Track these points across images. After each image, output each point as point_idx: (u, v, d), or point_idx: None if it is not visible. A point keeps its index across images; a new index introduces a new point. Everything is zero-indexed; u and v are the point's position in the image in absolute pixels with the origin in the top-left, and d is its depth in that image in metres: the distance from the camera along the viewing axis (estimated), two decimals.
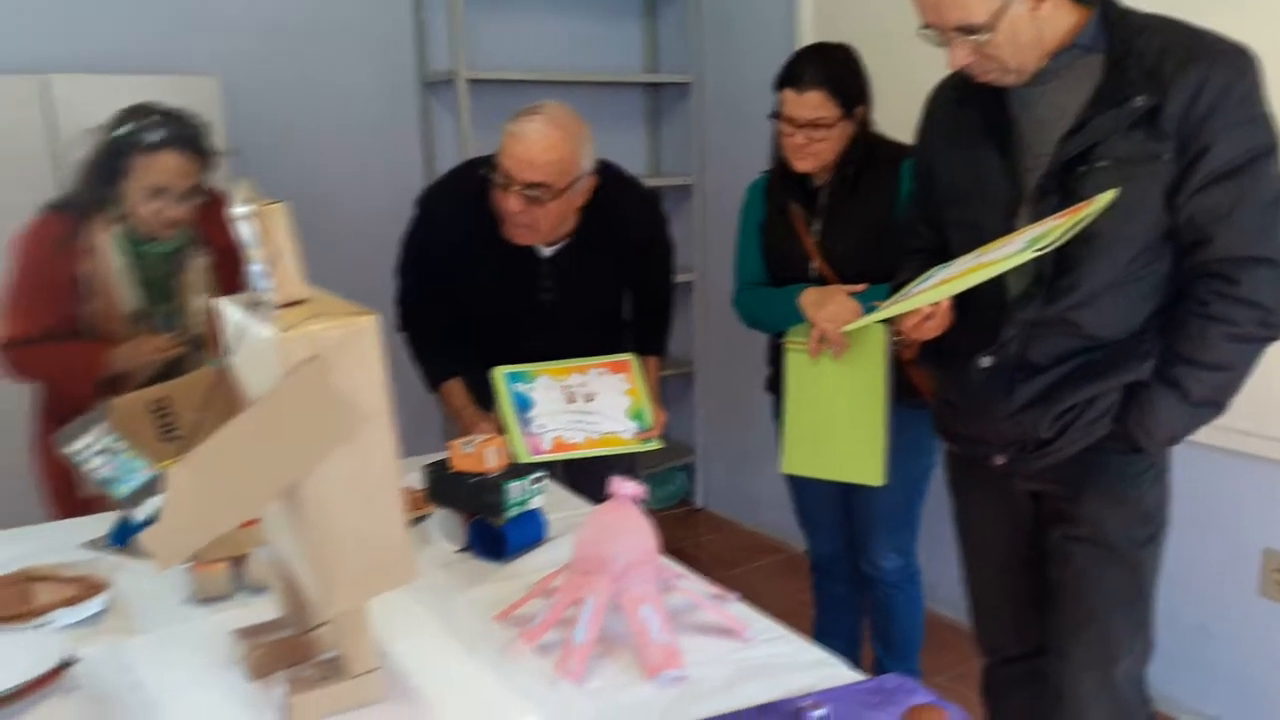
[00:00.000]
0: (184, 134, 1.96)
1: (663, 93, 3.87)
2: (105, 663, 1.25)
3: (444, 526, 1.66)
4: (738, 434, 3.80)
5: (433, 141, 3.37)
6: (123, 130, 1.94)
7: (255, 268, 1.05)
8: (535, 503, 1.60)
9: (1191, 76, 1.35)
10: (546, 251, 2.07)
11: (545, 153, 1.87)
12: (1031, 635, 1.67)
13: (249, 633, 1.24)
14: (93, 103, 2.59)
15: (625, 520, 1.29)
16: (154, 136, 1.93)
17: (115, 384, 1.88)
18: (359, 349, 1.01)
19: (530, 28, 3.49)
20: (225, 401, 1.15)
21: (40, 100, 2.54)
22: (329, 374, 0.99)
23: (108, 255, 1.98)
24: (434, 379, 2.17)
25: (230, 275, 2.02)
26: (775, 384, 2.22)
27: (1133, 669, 1.56)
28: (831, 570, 2.38)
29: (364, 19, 3.22)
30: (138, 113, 1.96)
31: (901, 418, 2.04)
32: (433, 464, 1.65)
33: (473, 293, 2.12)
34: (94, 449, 1.09)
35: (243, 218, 1.04)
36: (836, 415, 2.08)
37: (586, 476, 1.99)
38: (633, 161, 3.25)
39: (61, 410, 1.85)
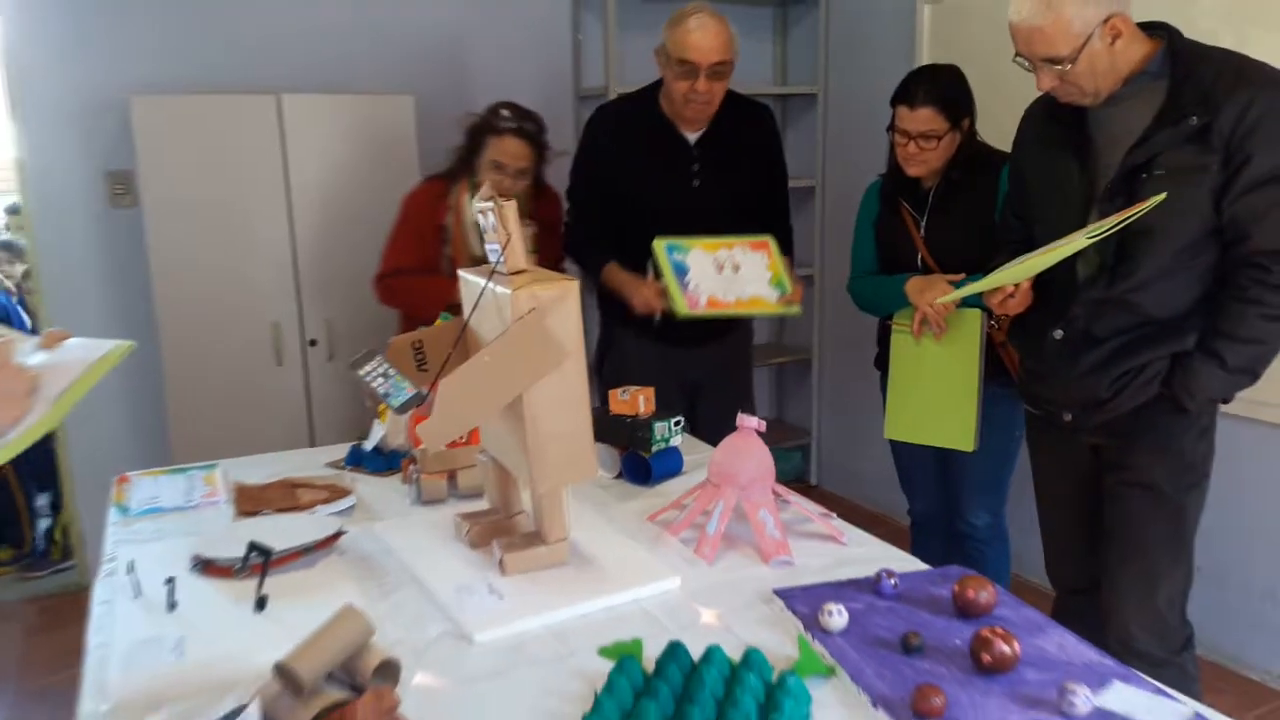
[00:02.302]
0: (526, 126, 2.53)
1: (790, 103, 4.22)
2: (362, 538, 1.71)
3: (602, 459, 2.06)
4: (850, 417, 4.10)
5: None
6: (484, 117, 2.54)
7: (492, 246, 1.48)
8: (675, 441, 2.00)
9: (1239, 99, 1.63)
10: (693, 137, 2.54)
11: (720, 35, 2.40)
12: (1092, 571, 1.97)
13: (469, 516, 1.68)
14: (313, 117, 3.17)
15: (749, 445, 1.67)
16: (505, 123, 2.51)
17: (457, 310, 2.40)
18: (565, 304, 1.43)
19: None
20: (461, 347, 1.58)
21: (274, 115, 3.10)
22: (544, 321, 1.41)
23: (464, 212, 2.56)
24: (597, 266, 2.60)
25: (547, 245, 2.61)
26: (882, 361, 2.54)
27: (1173, 596, 1.84)
28: (928, 527, 2.69)
29: (529, 40, 3.70)
30: (498, 106, 2.53)
31: (993, 394, 2.33)
32: (595, 408, 2.06)
33: (635, 183, 2.56)
34: (376, 372, 1.53)
35: (484, 211, 1.48)
36: (934, 388, 2.40)
37: (716, 422, 2.38)
38: None
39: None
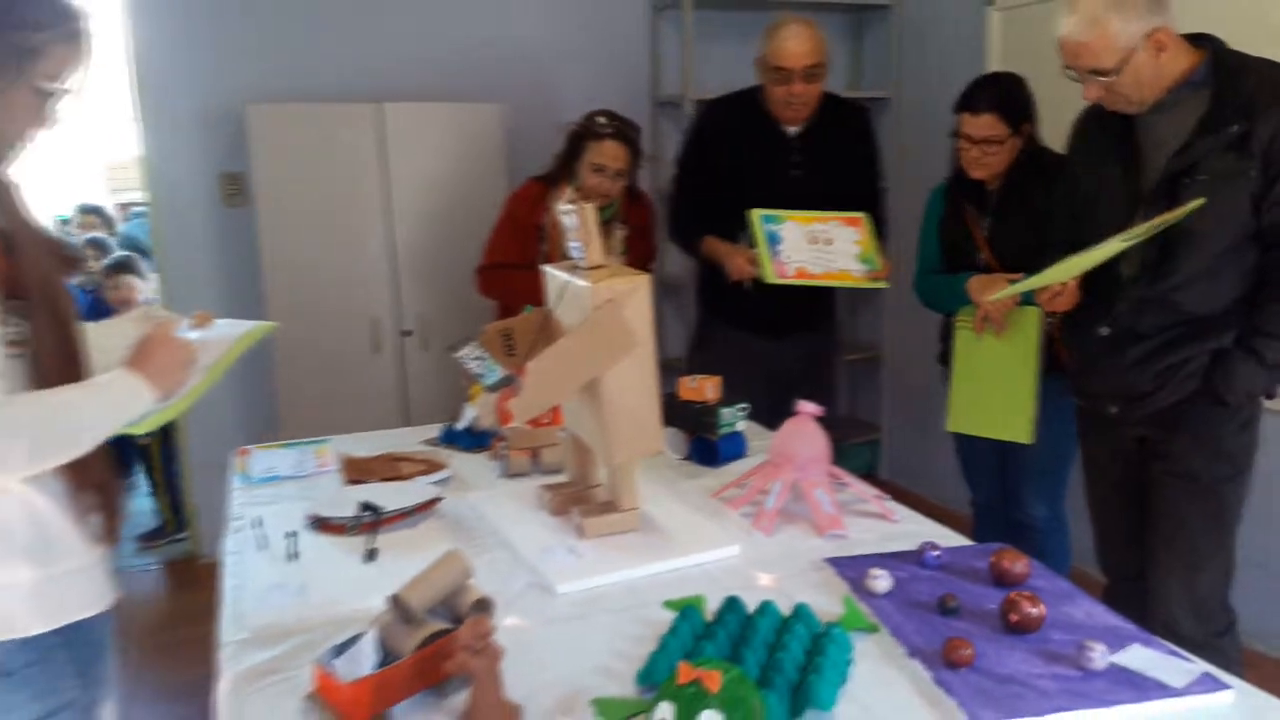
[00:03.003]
0: (624, 131, 2.73)
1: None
2: (456, 505, 1.90)
3: (671, 441, 2.23)
4: (917, 413, 4.19)
5: (657, 155, 3.97)
6: (584, 123, 2.73)
7: (573, 244, 1.66)
8: (740, 426, 2.15)
9: (1277, 109, 1.71)
10: (794, 131, 2.72)
11: (810, 40, 2.59)
12: (1140, 558, 2.05)
13: (550, 487, 1.86)
14: (411, 125, 3.40)
15: (807, 429, 1.81)
16: (604, 128, 2.70)
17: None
18: (638, 296, 1.59)
19: (749, 53, 4.04)
20: (546, 334, 1.77)
21: (376, 123, 3.35)
22: (620, 311, 1.58)
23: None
24: (697, 240, 2.79)
25: (638, 248, 2.82)
26: (945, 357, 2.65)
27: (1215, 582, 1.92)
28: (989, 517, 2.77)
29: (610, 50, 3.89)
30: (597, 113, 2.73)
31: (1052, 389, 2.41)
32: (665, 394, 2.22)
33: (739, 171, 2.74)
34: (471, 356, 1.72)
35: (567, 213, 1.65)
36: (994, 383, 2.49)
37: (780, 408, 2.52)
38: None
39: None
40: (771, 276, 2.44)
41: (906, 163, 4.09)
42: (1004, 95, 2.39)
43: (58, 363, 1.20)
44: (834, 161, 2.76)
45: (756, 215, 2.51)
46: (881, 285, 2.54)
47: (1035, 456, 2.53)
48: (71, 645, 1.28)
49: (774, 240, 2.48)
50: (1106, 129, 1.96)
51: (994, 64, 3.43)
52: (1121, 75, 1.78)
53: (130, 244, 4.84)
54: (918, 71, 3.98)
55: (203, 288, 3.57)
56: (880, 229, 2.74)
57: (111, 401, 1.25)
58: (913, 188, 3.96)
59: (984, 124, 2.37)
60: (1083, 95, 1.88)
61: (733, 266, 2.61)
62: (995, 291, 2.38)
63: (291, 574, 1.58)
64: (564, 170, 2.79)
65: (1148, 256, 1.85)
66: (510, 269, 2.79)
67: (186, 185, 3.53)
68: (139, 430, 1.34)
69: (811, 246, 2.48)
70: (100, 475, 1.27)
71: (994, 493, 2.73)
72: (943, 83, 3.76)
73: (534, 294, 1.96)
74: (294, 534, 1.69)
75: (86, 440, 1.21)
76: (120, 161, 8.69)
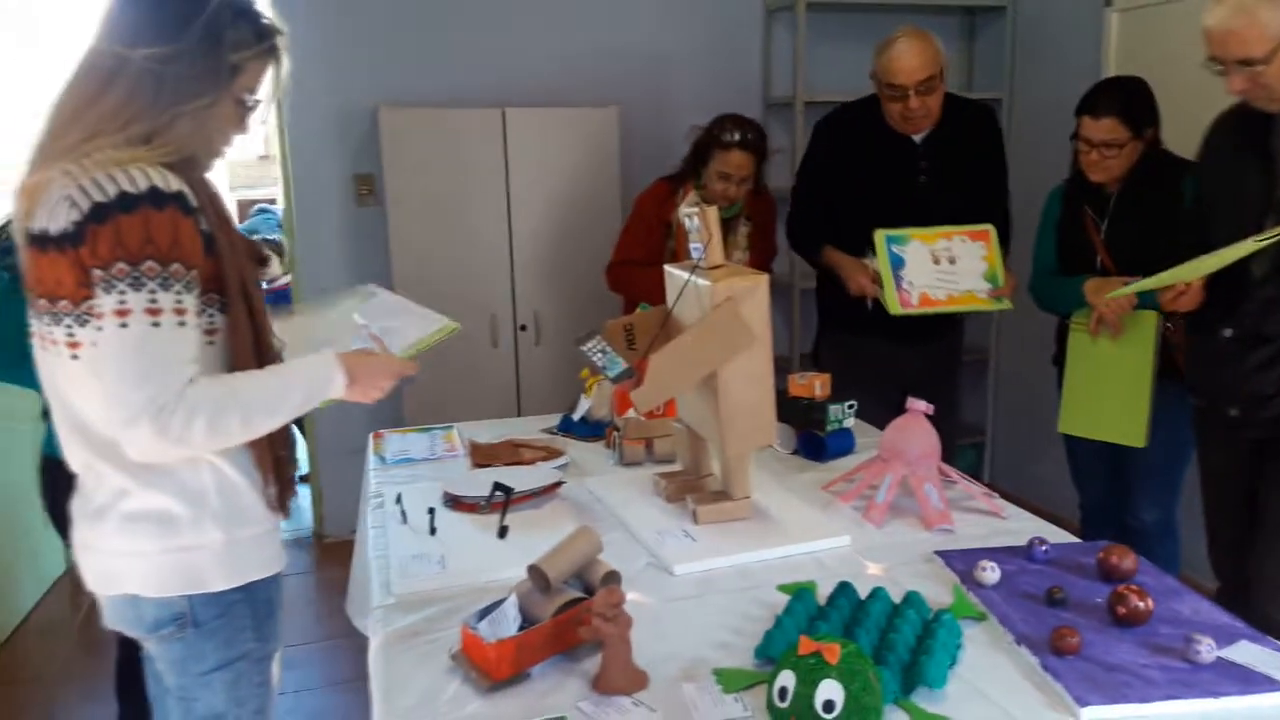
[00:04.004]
0: (750, 139, 2.78)
1: None
2: (576, 489, 2.02)
3: (780, 436, 2.30)
4: (1025, 417, 4.14)
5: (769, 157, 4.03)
6: (710, 131, 2.82)
7: (694, 245, 1.75)
8: (848, 423, 2.21)
9: None
10: (919, 137, 2.69)
11: (922, 54, 2.54)
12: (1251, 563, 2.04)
13: (665, 475, 1.96)
14: (531, 128, 3.55)
15: (917, 426, 1.87)
16: (730, 138, 2.77)
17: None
18: (756, 295, 1.68)
19: (861, 55, 4.08)
20: (665, 330, 1.86)
21: (499, 127, 3.51)
22: (738, 308, 1.66)
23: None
24: (817, 249, 2.79)
25: (760, 243, 2.88)
26: (1060, 359, 2.65)
27: None
28: (1098, 521, 2.76)
29: (722, 53, 3.97)
30: (723, 120, 2.81)
31: (1167, 393, 2.40)
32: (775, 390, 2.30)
33: (863, 182, 2.70)
34: (595, 349, 1.84)
35: (689, 215, 1.75)
36: (1108, 385, 2.48)
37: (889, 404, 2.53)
38: None
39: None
40: (895, 308, 2.42)
41: (1020, 166, 4.05)
42: (1126, 99, 2.38)
43: (249, 351, 1.35)
44: (962, 166, 2.72)
45: (881, 237, 2.47)
46: (1004, 306, 2.48)
47: (1149, 460, 2.51)
48: (250, 602, 1.43)
49: (898, 264, 2.44)
50: (1244, 129, 1.95)
51: (1112, 66, 3.39)
52: (1270, 65, 1.77)
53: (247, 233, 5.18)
54: (1032, 74, 3.94)
55: (334, 283, 3.79)
56: (1005, 237, 2.70)
57: (311, 379, 1.39)
58: (1026, 191, 3.93)
59: (1105, 128, 2.36)
60: (1227, 88, 1.87)
61: (854, 284, 2.60)
62: (1110, 292, 2.38)
63: (432, 547, 1.72)
64: (690, 173, 2.87)
65: (1279, 258, 1.84)
66: (638, 266, 2.90)
67: (322, 185, 3.76)
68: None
69: (935, 268, 2.44)
70: (279, 450, 1.42)
71: (1103, 496, 2.72)
72: (1058, 85, 3.74)
73: (657, 291, 2.04)
74: (433, 510, 1.83)
75: (285, 413, 1.36)
76: (245, 160, 9.30)
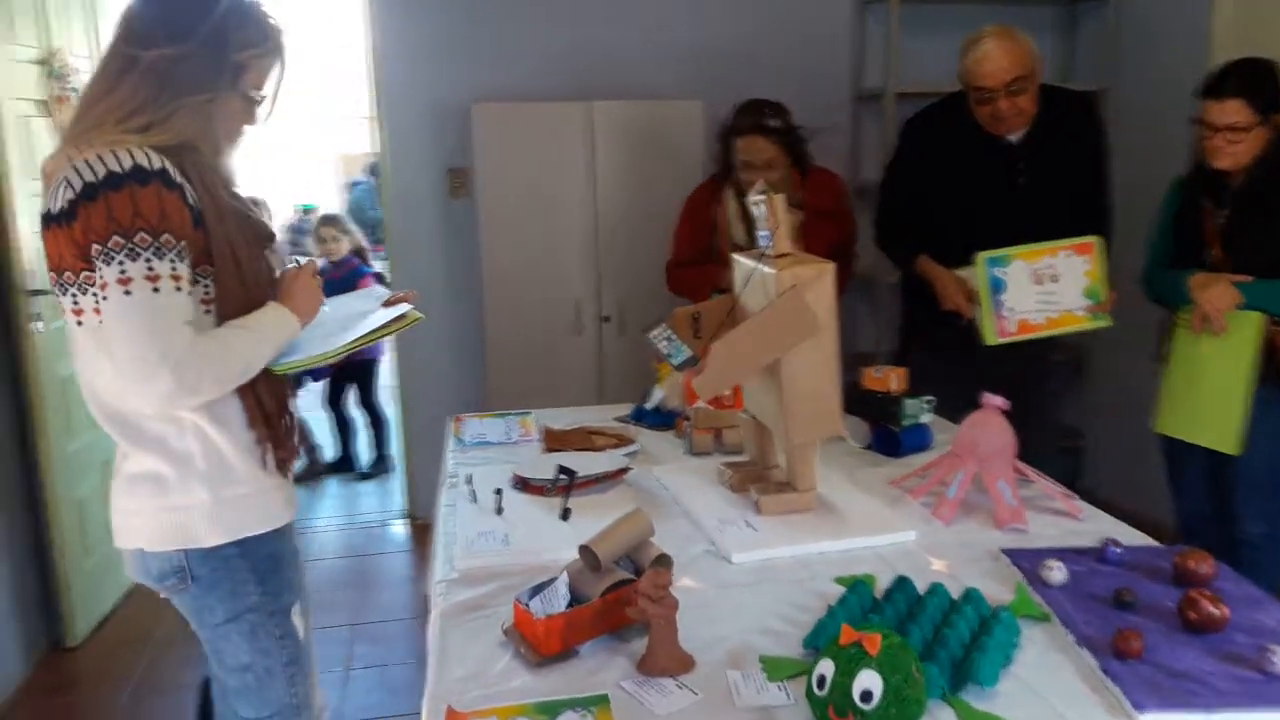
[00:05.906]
0: (761, 124, 2.69)
1: None
2: (643, 477, 2.04)
3: (853, 430, 2.26)
4: (1123, 420, 3.97)
5: (859, 149, 3.97)
6: (728, 119, 2.78)
7: (763, 233, 1.75)
8: (925, 419, 2.17)
9: None
10: (1016, 138, 2.57)
11: (1010, 54, 2.43)
12: None
13: (731, 465, 1.95)
14: (618, 122, 3.58)
15: (992, 421, 1.81)
16: (740, 123, 2.73)
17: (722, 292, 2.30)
18: (821, 283, 1.66)
19: (952, 46, 3.98)
20: (731, 318, 1.86)
21: (586, 121, 3.56)
22: (803, 296, 1.65)
23: (726, 206, 2.86)
24: (910, 257, 2.67)
25: (820, 231, 2.65)
26: (1158, 355, 2.53)
27: None
28: (1197, 532, 2.62)
29: (811, 43, 3.93)
30: (739, 106, 2.75)
31: (1272, 400, 2.27)
32: (848, 383, 2.26)
33: (956, 188, 2.58)
34: (662, 336, 1.85)
35: (757, 203, 1.74)
36: (1207, 386, 2.37)
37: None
38: None
39: None
40: (992, 338, 2.31)
41: (1126, 159, 3.88)
42: (1253, 80, 2.27)
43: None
44: (1063, 165, 2.56)
45: (982, 260, 2.33)
46: (1104, 323, 2.34)
47: (1255, 470, 2.39)
48: (248, 556, 1.52)
49: (998, 287, 2.32)
50: None
51: (1220, 56, 3.21)
52: None
53: (354, 209, 5.37)
54: (1136, 64, 3.77)
55: (428, 272, 3.91)
56: (1107, 234, 2.53)
57: (269, 325, 1.47)
58: (1129, 182, 3.76)
59: (1230, 110, 2.25)
60: None
61: (948, 300, 2.49)
62: (1216, 291, 2.28)
63: (497, 525, 1.76)
64: (726, 167, 2.82)
65: None
66: (687, 266, 2.88)
67: (417, 179, 3.88)
68: (278, 372, 1.53)
69: (1037, 288, 2.31)
70: (268, 412, 1.50)
71: (1203, 505, 2.58)
72: (1164, 75, 3.57)
73: (706, 287, 2.04)
74: (500, 491, 1.87)
75: (257, 363, 1.44)
76: (350, 154, 9.83)
